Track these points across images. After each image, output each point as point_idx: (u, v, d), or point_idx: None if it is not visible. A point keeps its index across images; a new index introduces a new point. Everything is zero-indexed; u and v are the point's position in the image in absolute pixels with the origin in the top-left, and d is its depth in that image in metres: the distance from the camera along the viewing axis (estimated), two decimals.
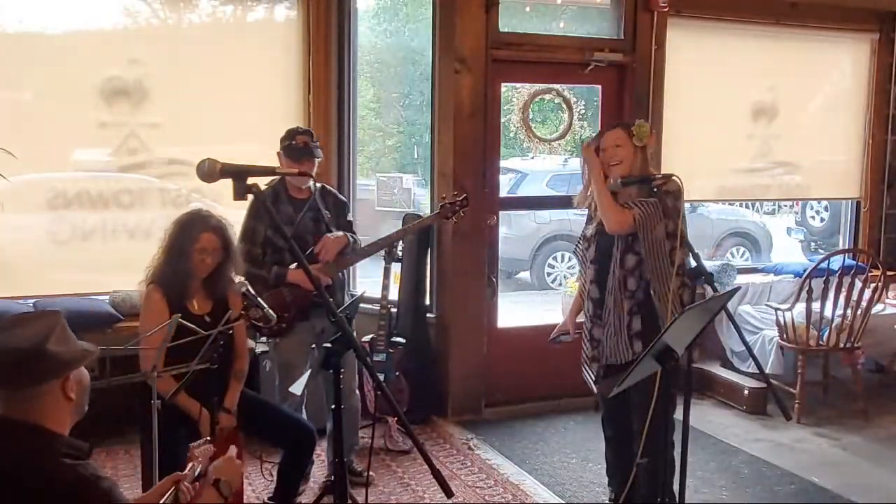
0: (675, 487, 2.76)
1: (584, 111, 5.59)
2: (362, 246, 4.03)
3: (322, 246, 3.81)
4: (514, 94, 5.57)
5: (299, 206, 3.85)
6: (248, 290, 3.23)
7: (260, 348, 4.67)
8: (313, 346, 3.98)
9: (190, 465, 2.26)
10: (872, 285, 5.29)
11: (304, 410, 4.01)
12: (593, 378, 3.58)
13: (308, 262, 3.77)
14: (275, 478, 3.60)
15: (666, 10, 5.37)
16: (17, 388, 1.92)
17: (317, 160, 3.85)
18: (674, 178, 3.27)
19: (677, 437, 2.74)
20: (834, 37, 6.14)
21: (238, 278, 3.34)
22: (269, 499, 3.79)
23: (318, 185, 3.94)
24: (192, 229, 3.31)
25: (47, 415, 1.93)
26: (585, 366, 3.62)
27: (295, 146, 3.79)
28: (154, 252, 3.39)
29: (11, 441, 1.90)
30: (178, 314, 2.97)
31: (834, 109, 6.30)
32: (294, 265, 3.78)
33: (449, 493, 2.15)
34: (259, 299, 3.21)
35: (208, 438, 2.47)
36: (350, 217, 4.09)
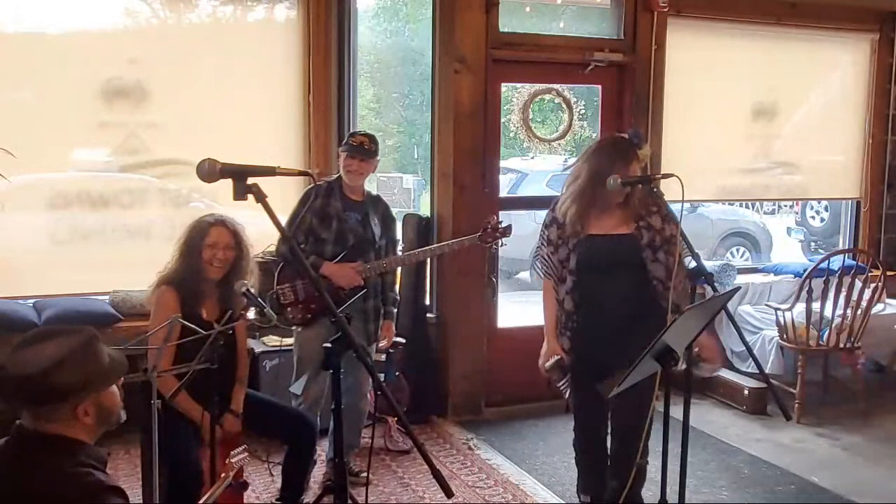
0: (676, 487, 2.76)
1: (584, 111, 5.58)
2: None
3: (339, 271, 3.88)
4: (514, 94, 5.57)
5: (350, 205, 3.98)
6: (247, 290, 3.23)
7: (259, 348, 4.67)
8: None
9: (224, 475, 2.26)
10: (872, 285, 5.29)
11: (318, 412, 3.99)
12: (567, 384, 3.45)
13: (343, 260, 3.89)
14: (276, 478, 3.60)
15: (666, 10, 5.37)
16: (26, 406, 1.90)
17: (370, 161, 3.98)
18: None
19: (677, 438, 2.73)
20: (834, 37, 6.14)
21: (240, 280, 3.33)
22: (276, 500, 3.79)
23: (374, 193, 4.15)
24: (202, 224, 3.38)
25: (65, 429, 1.91)
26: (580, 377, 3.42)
27: (350, 144, 3.95)
28: (163, 256, 3.41)
29: (34, 452, 1.88)
30: (178, 314, 2.97)
31: (834, 109, 6.29)
32: (336, 259, 3.90)
33: (449, 493, 2.15)
34: (259, 300, 3.20)
35: (245, 446, 2.48)
36: (398, 236, 4.25)
